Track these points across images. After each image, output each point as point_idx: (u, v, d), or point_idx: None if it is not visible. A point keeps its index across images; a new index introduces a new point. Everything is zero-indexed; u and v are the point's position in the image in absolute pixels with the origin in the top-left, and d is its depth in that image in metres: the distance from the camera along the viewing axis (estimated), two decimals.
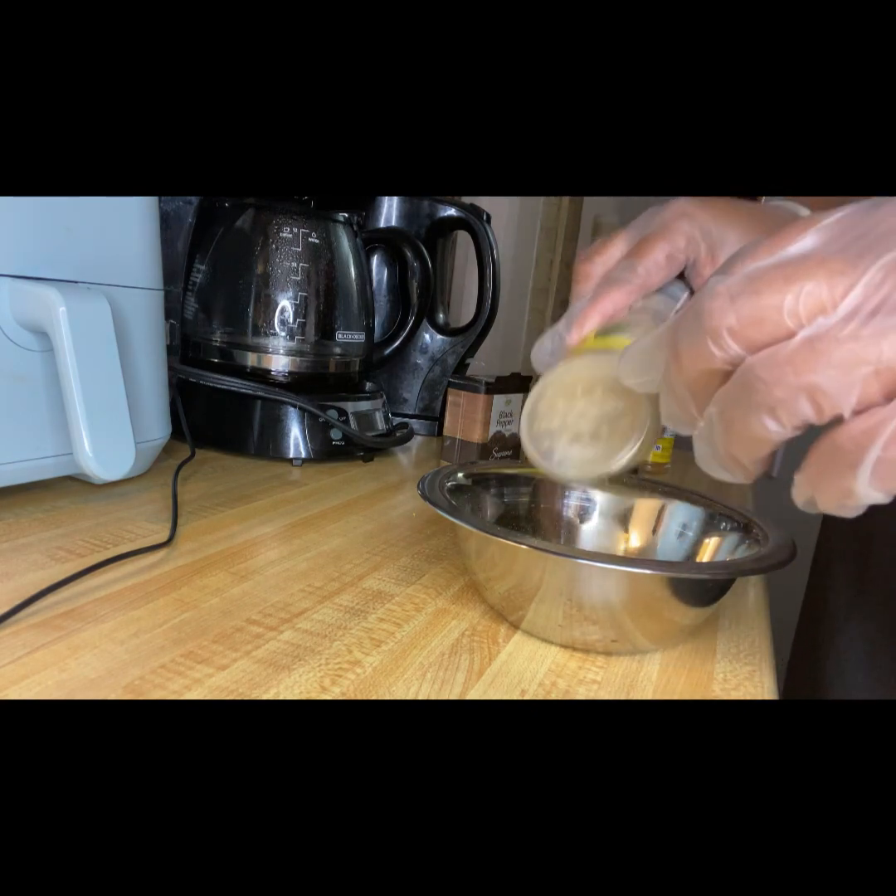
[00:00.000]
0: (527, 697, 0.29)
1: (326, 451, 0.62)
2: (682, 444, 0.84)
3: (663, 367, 0.22)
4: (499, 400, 0.64)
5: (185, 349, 0.66)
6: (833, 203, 0.21)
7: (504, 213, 1.35)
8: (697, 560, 0.39)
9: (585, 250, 0.36)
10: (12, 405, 0.40)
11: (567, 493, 0.44)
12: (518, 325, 1.54)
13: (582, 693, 0.29)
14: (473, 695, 0.28)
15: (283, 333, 0.63)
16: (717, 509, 0.40)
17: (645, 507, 0.42)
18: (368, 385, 0.72)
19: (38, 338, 0.40)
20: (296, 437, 0.61)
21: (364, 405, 0.65)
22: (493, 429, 0.65)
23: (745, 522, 0.38)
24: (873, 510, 0.19)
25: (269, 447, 0.60)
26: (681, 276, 0.35)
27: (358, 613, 0.34)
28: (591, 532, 0.43)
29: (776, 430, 0.19)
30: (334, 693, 0.27)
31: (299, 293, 0.63)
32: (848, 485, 0.19)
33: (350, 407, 0.63)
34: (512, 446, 0.68)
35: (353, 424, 0.63)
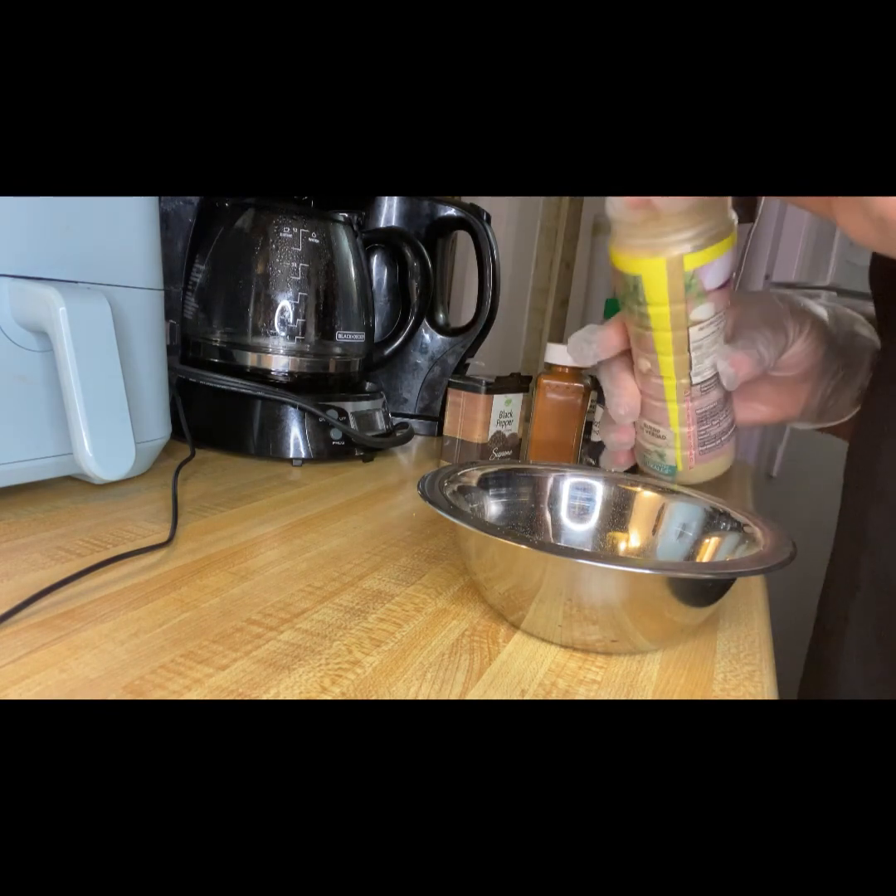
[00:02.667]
0: (527, 697, 0.29)
1: (326, 451, 0.62)
2: None
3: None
4: (499, 400, 0.64)
5: (185, 349, 0.66)
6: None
7: (504, 213, 1.35)
8: (697, 560, 0.39)
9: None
10: (12, 405, 0.40)
11: (568, 493, 0.44)
12: (518, 325, 1.53)
13: (582, 693, 0.29)
14: (473, 695, 0.28)
15: (283, 333, 0.63)
16: (717, 509, 0.40)
17: (645, 506, 0.42)
18: (368, 385, 0.72)
19: (38, 338, 0.40)
20: (296, 437, 0.61)
21: (364, 405, 0.65)
22: (492, 429, 0.65)
23: (745, 522, 0.38)
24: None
25: (269, 447, 0.60)
26: None
27: (358, 613, 0.34)
28: (591, 532, 0.43)
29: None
30: (334, 693, 0.27)
31: (299, 293, 0.63)
32: None
33: (350, 407, 0.63)
34: (512, 446, 0.68)
35: (353, 424, 0.63)
